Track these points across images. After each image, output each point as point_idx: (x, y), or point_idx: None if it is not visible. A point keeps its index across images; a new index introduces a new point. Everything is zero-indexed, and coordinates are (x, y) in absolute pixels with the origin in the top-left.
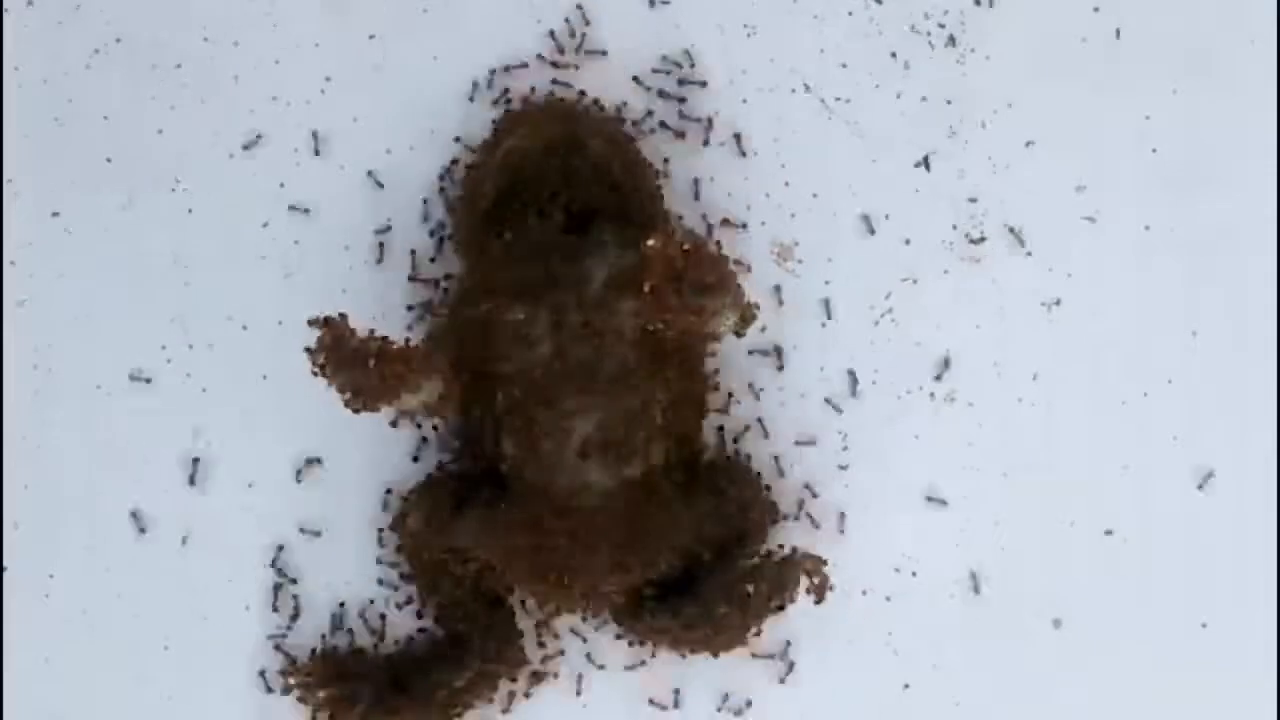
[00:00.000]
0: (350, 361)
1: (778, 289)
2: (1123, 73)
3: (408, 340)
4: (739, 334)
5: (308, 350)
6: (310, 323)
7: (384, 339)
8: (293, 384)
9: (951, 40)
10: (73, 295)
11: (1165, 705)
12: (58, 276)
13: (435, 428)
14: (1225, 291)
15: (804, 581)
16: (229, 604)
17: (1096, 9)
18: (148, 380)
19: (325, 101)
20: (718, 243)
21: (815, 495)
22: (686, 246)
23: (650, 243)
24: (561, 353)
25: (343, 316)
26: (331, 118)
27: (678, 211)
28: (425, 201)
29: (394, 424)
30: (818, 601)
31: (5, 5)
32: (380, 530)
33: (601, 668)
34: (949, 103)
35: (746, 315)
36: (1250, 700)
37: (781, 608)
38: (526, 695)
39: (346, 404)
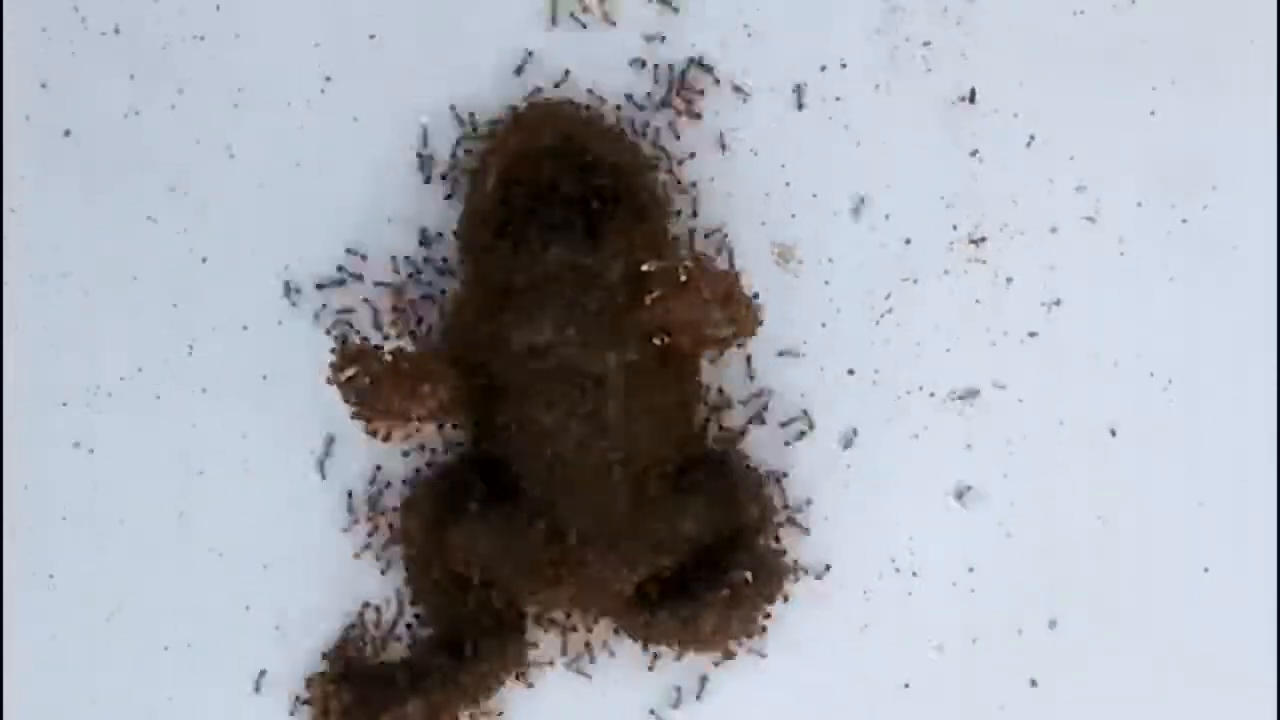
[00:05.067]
0: (368, 383)
1: (778, 289)
2: (1123, 72)
3: (412, 344)
4: (741, 343)
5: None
6: (335, 349)
7: (397, 351)
8: (293, 384)
9: (952, 40)
10: (73, 295)
11: (1162, 706)
12: (58, 276)
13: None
14: (1226, 291)
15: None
16: (229, 604)
17: (1097, 9)
18: (148, 380)
19: (325, 101)
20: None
21: (815, 495)
22: (689, 263)
23: (647, 268)
24: (565, 356)
25: (362, 339)
26: (332, 118)
27: (681, 211)
28: (429, 201)
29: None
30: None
31: (5, 5)
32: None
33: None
34: (949, 102)
35: (748, 324)
36: (1249, 703)
37: (786, 599)
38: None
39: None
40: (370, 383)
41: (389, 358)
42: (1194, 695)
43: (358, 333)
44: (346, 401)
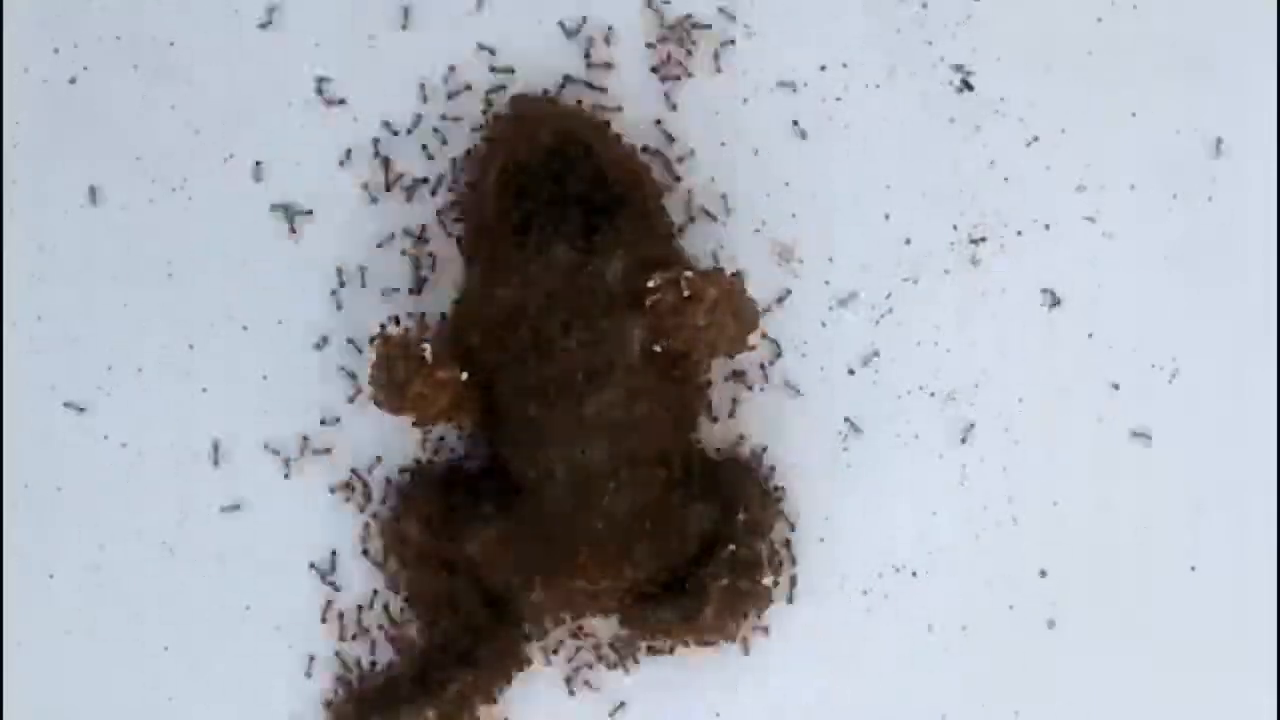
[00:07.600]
0: (401, 374)
1: (778, 289)
2: (1123, 72)
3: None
4: (746, 349)
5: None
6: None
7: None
8: (293, 384)
9: (952, 40)
10: (73, 295)
11: (1162, 705)
12: (59, 276)
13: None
14: (1225, 291)
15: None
16: (228, 605)
17: (1098, 9)
18: (148, 380)
19: (325, 102)
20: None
21: (815, 495)
22: (690, 273)
23: (652, 283)
24: (567, 357)
25: (401, 328)
26: (332, 117)
27: (685, 214)
28: (430, 202)
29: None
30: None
31: (5, 6)
32: (379, 532)
33: (605, 666)
34: (949, 102)
35: (749, 330)
36: (1249, 702)
37: (778, 597)
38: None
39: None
40: (403, 376)
41: (425, 351)
42: (1195, 694)
43: (393, 322)
44: (377, 391)
